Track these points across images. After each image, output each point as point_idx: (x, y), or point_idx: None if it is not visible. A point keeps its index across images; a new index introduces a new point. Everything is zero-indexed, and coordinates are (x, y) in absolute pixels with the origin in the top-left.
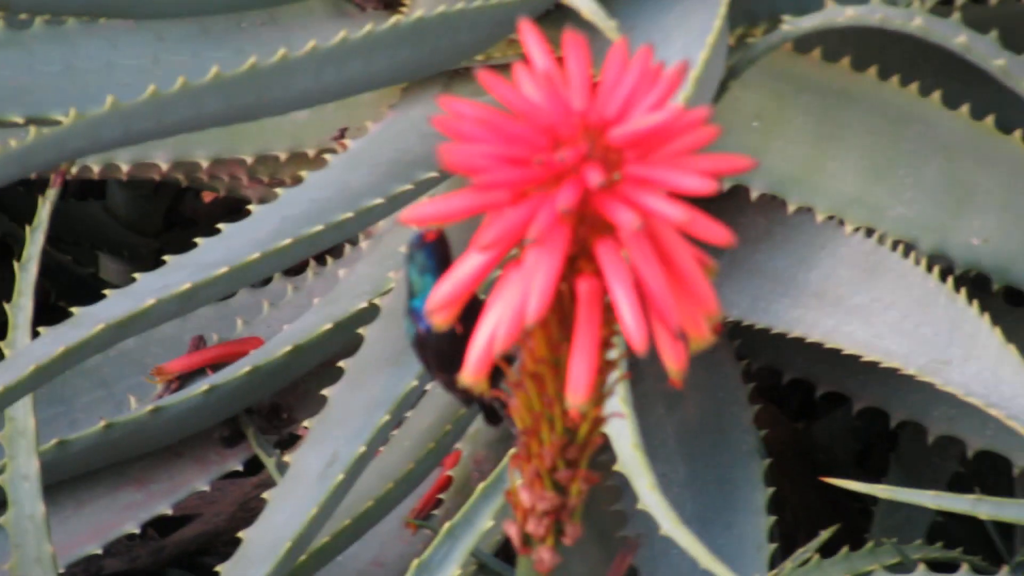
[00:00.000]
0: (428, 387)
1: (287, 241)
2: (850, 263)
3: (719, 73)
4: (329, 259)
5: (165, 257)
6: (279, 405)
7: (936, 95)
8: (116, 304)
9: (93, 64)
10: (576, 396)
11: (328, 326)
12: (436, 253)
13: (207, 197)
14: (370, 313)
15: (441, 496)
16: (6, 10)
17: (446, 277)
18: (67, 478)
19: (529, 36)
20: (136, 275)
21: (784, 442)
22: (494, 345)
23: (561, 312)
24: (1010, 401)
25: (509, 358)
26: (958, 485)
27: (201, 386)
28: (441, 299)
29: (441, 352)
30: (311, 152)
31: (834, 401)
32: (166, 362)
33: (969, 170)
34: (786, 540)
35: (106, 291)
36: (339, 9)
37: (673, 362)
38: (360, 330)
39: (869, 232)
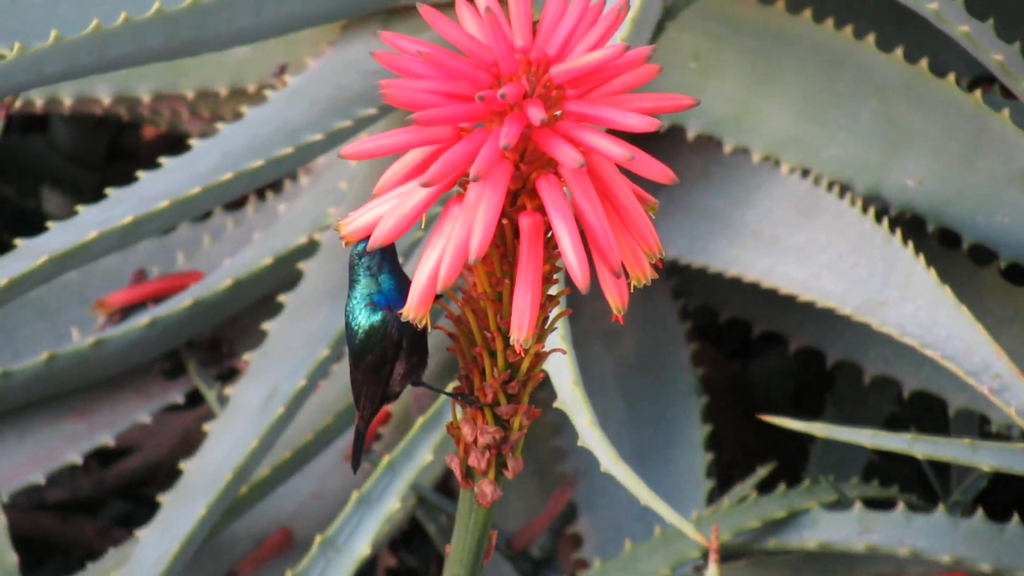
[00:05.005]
0: None
1: (228, 176)
2: (786, 204)
3: (656, 14)
4: (269, 194)
5: (107, 190)
6: (220, 339)
7: (871, 38)
8: (59, 236)
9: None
10: (519, 331)
11: (268, 260)
12: (385, 254)
13: (149, 132)
14: (310, 248)
15: (381, 431)
16: None
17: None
18: (10, 409)
19: None
20: (79, 208)
21: (721, 381)
22: (437, 279)
23: (503, 247)
24: (945, 342)
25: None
26: (894, 425)
27: (143, 319)
28: (383, 235)
29: (413, 337)
30: (252, 88)
31: (771, 341)
32: (108, 295)
33: (903, 112)
34: (723, 477)
35: (49, 223)
36: None
37: (615, 297)
38: (300, 265)
39: (805, 173)
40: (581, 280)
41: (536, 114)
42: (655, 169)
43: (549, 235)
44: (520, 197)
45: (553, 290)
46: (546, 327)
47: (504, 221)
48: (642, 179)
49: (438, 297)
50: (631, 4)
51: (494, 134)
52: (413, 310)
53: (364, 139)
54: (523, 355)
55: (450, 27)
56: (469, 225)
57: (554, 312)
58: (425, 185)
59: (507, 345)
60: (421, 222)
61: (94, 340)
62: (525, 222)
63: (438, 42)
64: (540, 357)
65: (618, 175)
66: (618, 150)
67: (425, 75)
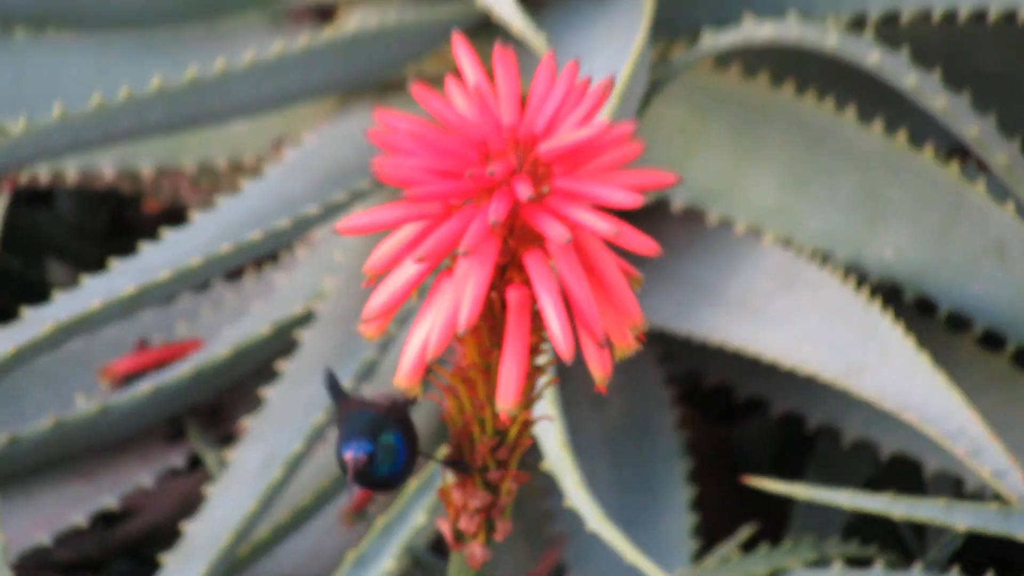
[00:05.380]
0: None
1: (227, 247)
2: (768, 273)
3: (642, 88)
4: (267, 265)
5: (110, 261)
6: (220, 405)
7: (851, 110)
8: (64, 306)
9: (42, 74)
10: (506, 400)
11: (266, 330)
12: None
13: (150, 205)
14: (307, 317)
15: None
16: None
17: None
18: (17, 473)
19: (461, 50)
20: (83, 278)
21: (706, 444)
22: (427, 350)
23: (492, 319)
24: (922, 406)
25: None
26: (873, 486)
27: (145, 386)
28: (376, 308)
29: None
30: (250, 161)
31: (753, 406)
32: (112, 362)
33: (883, 184)
34: (708, 538)
35: (54, 293)
36: (276, 23)
37: (598, 369)
38: (297, 333)
39: (787, 244)
40: (566, 352)
41: (524, 191)
42: (640, 242)
43: (536, 308)
44: (508, 271)
45: (541, 360)
46: (534, 395)
47: (493, 294)
48: (627, 252)
49: (427, 371)
50: (619, 78)
51: (483, 211)
52: (404, 380)
53: (358, 214)
54: (510, 423)
55: (440, 105)
56: (458, 298)
57: (542, 381)
58: (419, 262)
59: (495, 413)
60: (415, 295)
61: (99, 407)
62: (512, 296)
63: (431, 118)
64: (528, 424)
65: (604, 249)
66: (604, 226)
67: (416, 152)
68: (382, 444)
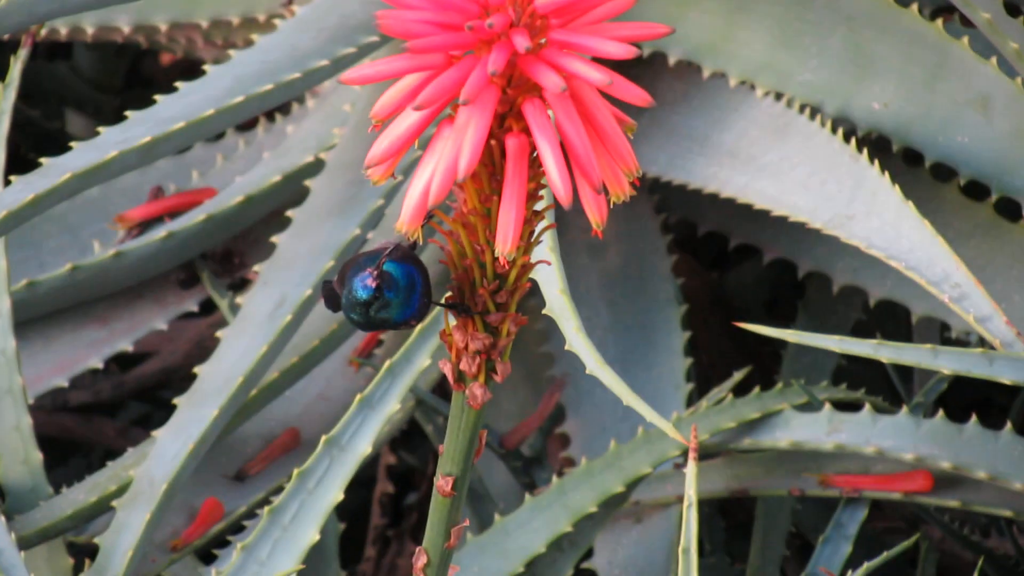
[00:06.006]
0: (370, 235)
1: (239, 98)
2: (761, 124)
3: None
4: (278, 116)
5: (127, 113)
6: (232, 251)
7: None
8: (81, 155)
9: None
10: (504, 245)
11: (277, 178)
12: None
13: (166, 58)
14: (316, 166)
15: (382, 336)
16: None
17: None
18: (35, 317)
19: None
20: (100, 129)
21: (700, 290)
22: (428, 196)
23: (492, 166)
24: (909, 253)
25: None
26: (861, 331)
27: (160, 233)
28: (380, 153)
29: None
30: (262, 17)
31: (746, 253)
32: (127, 210)
33: (870, 40)
34: (702, 381)
35: (72, 143)
36: None
37: (595, 213)
38: (307, 182)
39: (778, 96)
40: (564, 197)
41: (521, 42)
42: (633, 93)
43: (534, 155)
44: (507, 120)
45: (539, 205)
46: (532, 240)
47: (492, 142)
48: (624, 103)
49: (430, 216)
50: None
51: (482, 61)
52: (406, 225)
53: (363, 65)
54: (509, 267)
55: None
56: (458, 145)
57: (540, 226)
58: (417, 109)
59: (495, 257)
60: (416, 144)
61: (114, 252)
62: (511, 143)
63: None
64: (526, 268)
65: (599, 99)
66: (597, 75)
67: (418, 6)
68: (388, 273)
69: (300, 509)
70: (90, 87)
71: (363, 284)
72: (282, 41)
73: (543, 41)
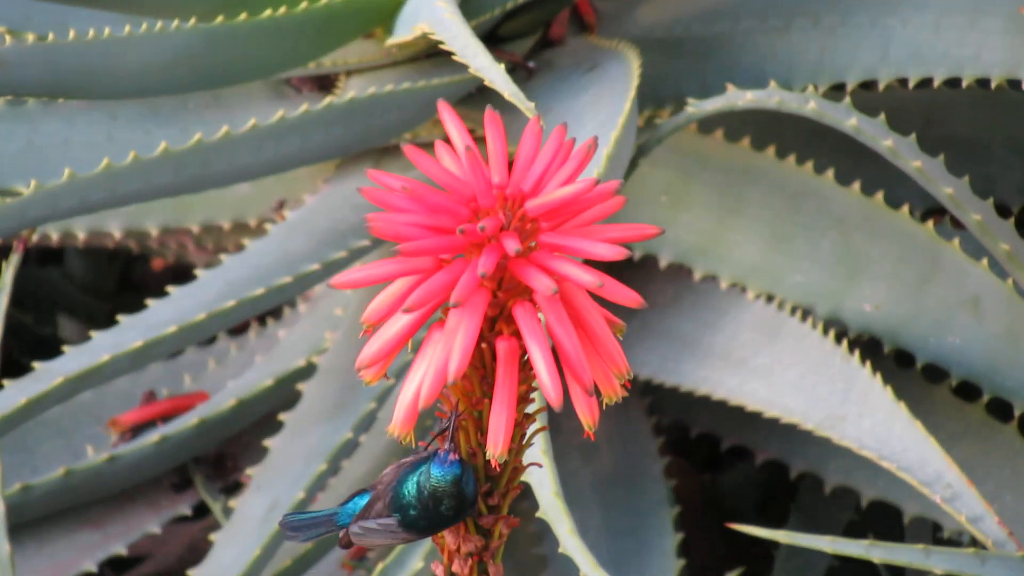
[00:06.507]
0: (362, 438)
1: (231, 303)
2: (752, 327)
3: (630, 151)
4: (270, 320)
5: (119, 317)
6: (224, 454)
7: (830, 173)
8: (74, 360)
9: (52, 140)
10: (495, 447)
11: (269, 382)
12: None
13: (157, 263)
14: (308, 370)
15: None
16: None
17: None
18: (29, 521)
19: (447, 116)
20: (92, 333)
21: (692, 492)
22: (419, 399)
23: (482, 369)
24: (900, 454)
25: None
26: (853, 532)
27: (153, 437)
28: (370, 356)
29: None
30: (253, 222)
31: (738, 454)
32: (120, 414)
33: (861, 242)
34: None
35: (65, 347)
36: (278, 91)
37: (587, 416)
38: (299, 386)
39: (769, 299)
40: (555, 400)
41: (512, 245)
42: (624, 295)
43: (525, 358)
44: (497, 323)
45: (531, 408)
46: (524, 443)
47: (483, 345)
48: (616, 305)
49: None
50: (607, 142)
51: (473, 264)
52: (398, 428)
53: (353, 269)
54: (500, 469)
55: (432, 165)
56: (448, 349)
57: (532, 428)
58: (406, 311)
59: (487, 460)
60: (408, 346)
61: (108, 456)
62: (502, 346)
63: (422, 179)
64: (519, 470)
65: (589, 301)
66: (588, 278)
67: (409, 209)
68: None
69: None
70: (82, 292)
71: (448, 466)
72: (273, 246)
73: (533, 244)
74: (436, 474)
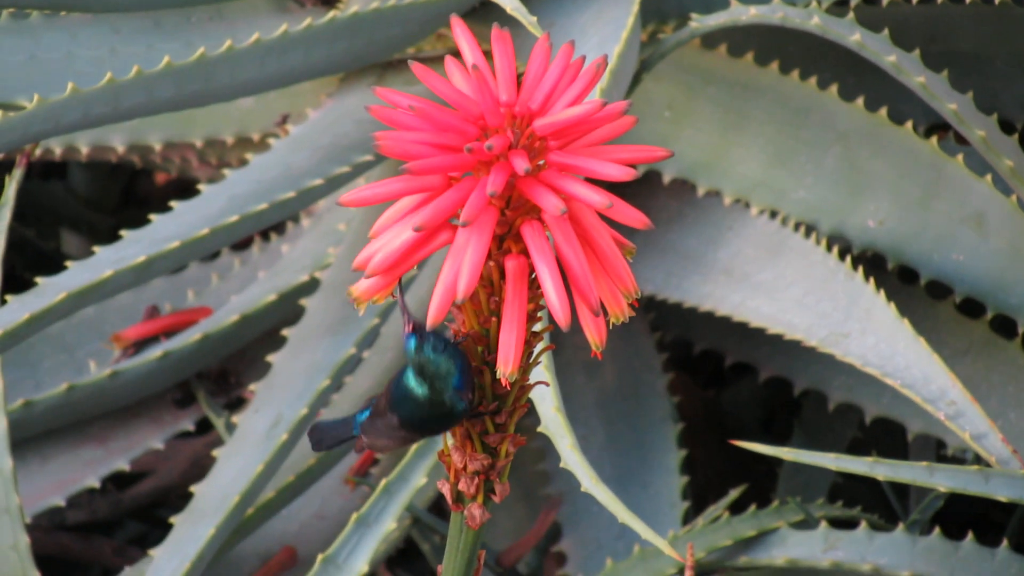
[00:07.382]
0: (365, 354)
1: (234, 218)
2: (755, 243)
3: (632, 66)
4: (273, 235)
5: (122, 232)
6: (227, 370)
7: (834, 88)
8: (77, 275)
9: (55, 54)
10: (505, 366)
11: (272, 297)
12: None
13: (160, 177)
14: (311, 285)
15: (378, 456)
16: None
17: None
18: (32, 436)
19: (459, 31)
20: (95, 248)
21: (695, 408)
22: (427, 318)
23: (491, 288)
24: (904, 371)
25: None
26: (857, 449)
27: (155, 352)
28: (376, 265)
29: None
30: (256, 136)
31: (742, 371)
32: (123, 329)
33: (865, 158)
34: (698, 499)
35: (67, 263)
36: (281, 5)
37: (594, 335)
38: (302, 301)
39: (773, 214)
40: (562, 319)
41: (521, 164)
42: (632, 215)
43: (533, 277)
44: (506, 241)
45: (537, 327)
46: (531, 361)
47: (491, 264)
48: (619, 224)
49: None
50: (610, 57)
51: (481, 183)
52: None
53: (361, 187)
54: (509, 387)
55: (440, 82)
56: (457, 267)
57: (539, 347)
58: (417, 230)
59: (494, 378)
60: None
61: (110, 372)
62: (510, 265)
63: (428, 96)
64: (525, 389)
65: (598, 221)
66: (597, 198)
67: (416, 127)
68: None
69: None
70: (85, 206)
71: (407, 341)
72: (277, 160)
73: (542, 163)
74: (409, 349)
